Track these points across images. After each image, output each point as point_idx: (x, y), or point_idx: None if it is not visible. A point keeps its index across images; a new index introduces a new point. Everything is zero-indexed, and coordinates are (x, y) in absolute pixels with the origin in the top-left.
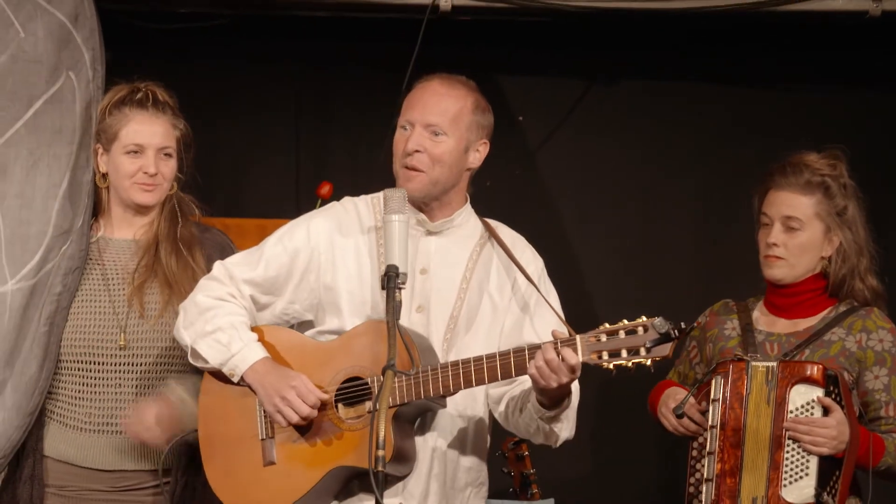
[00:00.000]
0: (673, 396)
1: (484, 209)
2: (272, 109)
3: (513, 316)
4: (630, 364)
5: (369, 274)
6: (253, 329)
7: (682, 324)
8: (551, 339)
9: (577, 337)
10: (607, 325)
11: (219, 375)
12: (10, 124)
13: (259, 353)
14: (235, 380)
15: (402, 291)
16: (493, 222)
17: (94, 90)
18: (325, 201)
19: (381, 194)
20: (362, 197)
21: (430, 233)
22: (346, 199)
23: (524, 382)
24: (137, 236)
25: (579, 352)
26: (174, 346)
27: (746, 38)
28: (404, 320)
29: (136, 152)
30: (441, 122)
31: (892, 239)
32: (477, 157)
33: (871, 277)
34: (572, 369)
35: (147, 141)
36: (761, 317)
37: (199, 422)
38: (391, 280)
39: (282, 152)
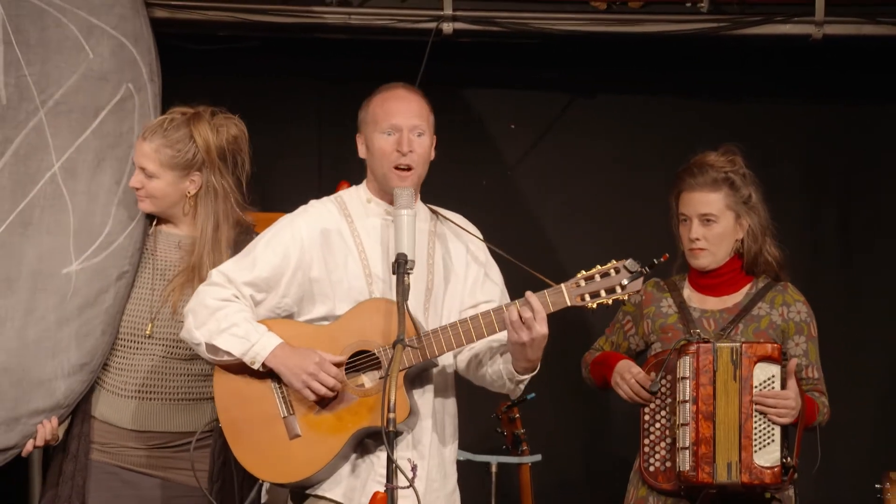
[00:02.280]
0: (628, 370)
1: (480, 204)
2: (297, 118)
3: (472, 272)
4: (609, 301)
5: (351, 264)
6: (261, 322)
7: (654, 259)
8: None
9: (562, 285)
10: (584, 272)
11: (230, 369)
12: (81, 133)
13: (276, 339)
14: (257, 366)
15: (383, 272)
16: (434, 206)
17: (151, 98)
18: None
19: (341, 194)
20: (325, 198)
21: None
22: (314, 202)
23: (486, 339)
24: (180, 231)
25: (566, 297)
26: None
27: (706, 58)
28: (388, 296)
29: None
30: (421, 123)
31: (828, 229)
32: (433, 150)
33: (775, 250)
34: (543, 320)
35: None
36: (693, 295)
37: (218, 410)
38: (401, 266)
39: (306, 155)
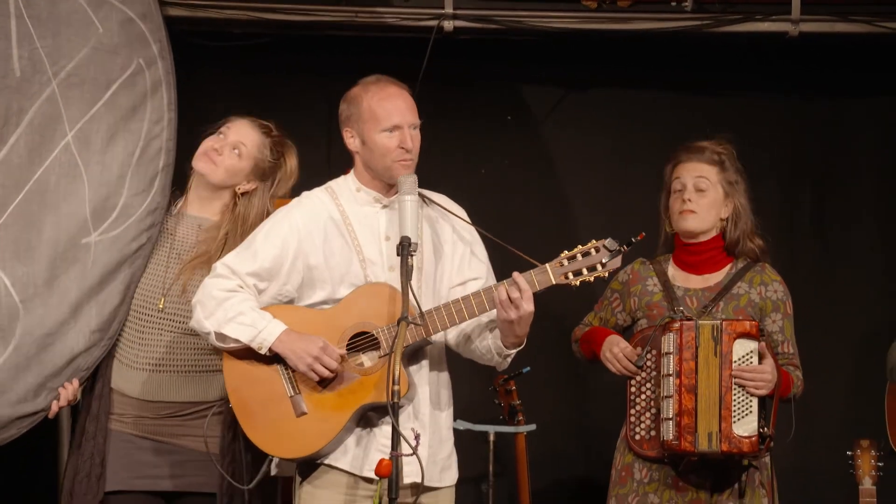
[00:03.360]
0: (616, 344)
1: (479, 191)
2: (307, 110)
3: (459, 251)
4: (592, 279)
5: (345, 250)
6: (264, 309)
7: (632, 238)
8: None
9: (547, 266)
10: (566, 252)
11: (238, 354)
12: (92, 104)
13: (280, 325)
14: (263, 351)
15: (375, 257)
16: (420, 189)
17: (164, 74)
18: None
19: (331, 184)
20: (317, 189)
21: (384, 206)
22: (306, 193)
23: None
24: (203, 215)
25: (551, 276)
26: None
27: (691, 54)
28: (381, 278)
29: (219, 134)
30: (415, 118)
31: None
32: None
33: (757, 238)
34: (530, 298)
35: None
36: (676, 273)
37: (228, 392)
38: (405, 248)
39: (316, 146)
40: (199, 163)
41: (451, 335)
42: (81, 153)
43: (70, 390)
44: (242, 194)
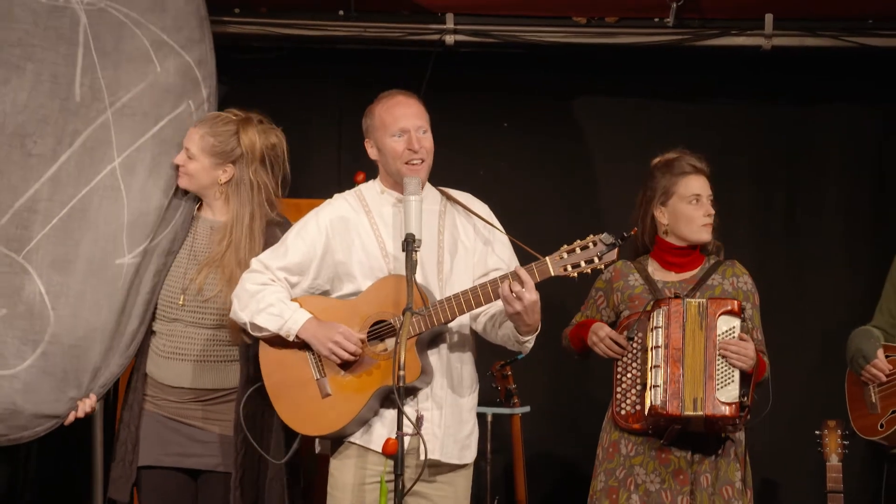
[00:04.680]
0: (601, 328)
1: (478, 191)
2: (321, 116)
3: (479, 248)
4: (590, 271)
5: (370, 246)
6: (293, 300)
7: (624, 233)
8: (521, 267)
9: (547, 259)
10: (566, 246)
11: (271, 342)
12: (142, 135)
13: (305, 315)
14: (291, 338)
15: (397, 251)
16: (444, 188)
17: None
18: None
19: (360, 187)
20: (347, 192)
21: None
22: (337, 196)
23: (496, 304)
24: (214, 217)
25: (550, 268)
26: (216, 313)
27: (672, 66)
28: (402, 272)
29: None
30: (423, 122)
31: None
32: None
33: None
34: (532, 288)
35: None
36: (655, 271)
37: (263, 376)
38: (409, 244)
39: (328, 149)
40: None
41: (479, 323)
42: (125, 179)
43: (88, 403)
44: (226, 183)
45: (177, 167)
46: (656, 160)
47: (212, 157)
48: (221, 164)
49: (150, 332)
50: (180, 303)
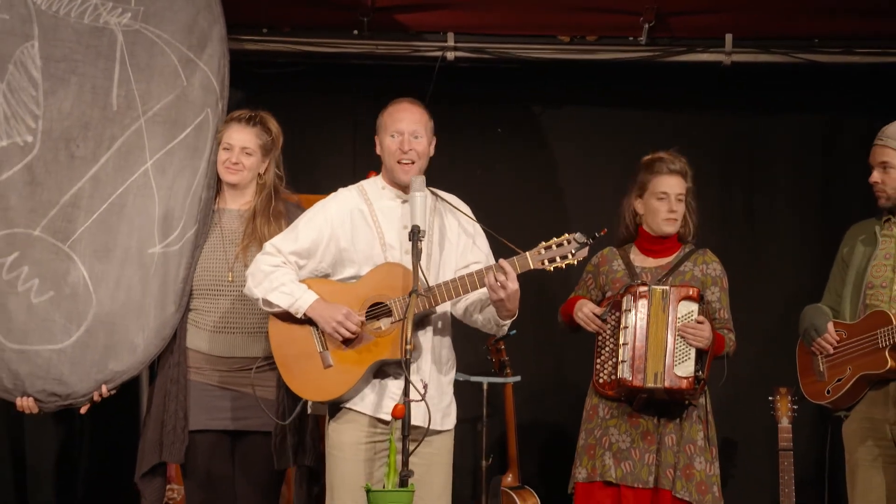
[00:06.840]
0: (585, 304)
1: (474, 190)
2: (337, 123)
3: (461, 243)
4: (564, 265)
5: (370, 236)
6: (302, 281)
7: (596, 233)
8: (503, 259)
9: (527, 253)
10: (544, 242)
11: (281, 317)
12: (170, 141)
13: (313, 296)
14: (299, 316)
15: (394, 242)
16: (434, 189)
17: (216, 121)
18: None
19: (363, 183)
20: (351, 186)
21: (405, 202)
22: (342, 189)
23: (477, 293)
24: (241, 207)
25: (529, 262)
26: None
27: (644, 79)
28: (398, 260)
29: (227, 149)
30: (418, 128)
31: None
32: (432, 148)
33: (693, 227)
34: (514, 279)
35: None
36: (636, 257)
37: (273, 350)
38: (415, 235)
39: (343, 152)
40: (227, 176)
41: (459, 308)
42: (156, 178)
43: (103, 391)
44: (264, 173)
45: (227, 164)
46: (645, 158)
47: (262, 153)
48: (265, 157)
49: (187, 311)
50: (230, 279)
